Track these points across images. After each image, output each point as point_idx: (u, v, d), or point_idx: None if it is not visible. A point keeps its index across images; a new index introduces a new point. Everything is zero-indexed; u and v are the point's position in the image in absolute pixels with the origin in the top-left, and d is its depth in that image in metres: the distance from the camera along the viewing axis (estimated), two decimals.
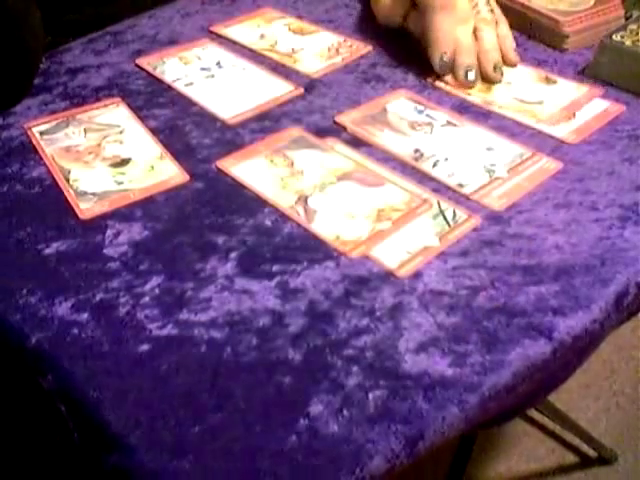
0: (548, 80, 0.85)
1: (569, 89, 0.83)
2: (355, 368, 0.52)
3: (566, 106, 0.80)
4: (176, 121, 0.80)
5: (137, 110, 0.82)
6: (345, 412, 0.49)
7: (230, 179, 0.72)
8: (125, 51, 0.94)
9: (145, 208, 0.68)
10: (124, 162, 0.74)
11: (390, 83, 0.87)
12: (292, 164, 0.73)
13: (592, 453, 1.26)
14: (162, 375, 0.52)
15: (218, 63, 0.91)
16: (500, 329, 0.55)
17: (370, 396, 0.50)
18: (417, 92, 0.84)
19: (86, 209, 0.68)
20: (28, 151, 0.76)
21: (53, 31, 0.92)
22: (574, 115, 0.79)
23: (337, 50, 0.94)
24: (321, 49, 0.94)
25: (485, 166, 0.72)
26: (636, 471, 1.24)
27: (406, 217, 0.66)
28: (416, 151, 0.75)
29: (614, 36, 0.84)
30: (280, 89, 0.85)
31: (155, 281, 0.60)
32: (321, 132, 0.78)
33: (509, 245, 0.63)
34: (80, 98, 0.85)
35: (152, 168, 0.73)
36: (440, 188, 0.69)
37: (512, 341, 0.54)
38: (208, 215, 0.67)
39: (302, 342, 0.54)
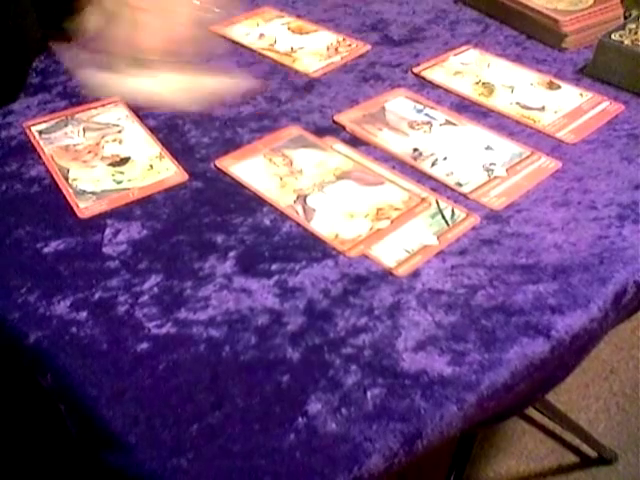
0: (551, 85, 0.85)
1: (573, 95, 0.83)
2: (353, 367, 0.52)
3: (568, 113, 0.80)
4: (175, 120, 0.80)
5: (136, 109, 0.82)
6: (343, 410, 0.49)
7: (229, 178, 0.72)
8: None
9: (144, 207, 0.68)
10: (123, 161, 0.74)
11: (389, 82, 0.87)
12: (291, 163, 0.73)
13: (592, 453, 1.26)
14: (161, 374, 0.52)
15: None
16: (498, 328, 0.55)
17: (368, 394, 0.50)
18: (416, 91, 0.84)
19: (85, 208, 0.68)
20: (27, 150, 0.76)
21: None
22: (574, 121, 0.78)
23: (336, 49, 0.94)
24: (320, 48, 0.94)
25: (484, 165, 0.72)
26: (636, 471, 1.24)
27: (405, 216, 0.66)
28: (415, 150, 0.75)
29: (613, 35, 0.84)
30: None
31: (154, 280, 0.60)
32: (320, 131, 0.78)
33: (508, 244, 0.63)
34: (79, 97, 0.85)
35: (151, 167, 0.73)
36: (439, 187, 0.69)
37: (510, 340, 0.54)
38: (207, 214, 0.67)
39: (301, 341, 0.54)
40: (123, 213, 0.67)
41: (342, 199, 0.68)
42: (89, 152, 0.75)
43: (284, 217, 0.66)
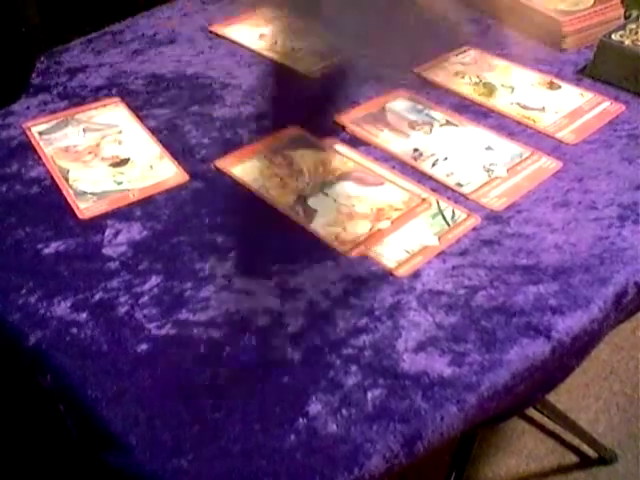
0: (552, 85, 0.84)
1: (573, 96, 0.82)
2: (354, 367, 0.52)
3: (568, 114, 0.79)
4: (175, 121, 0.80)
5: (136, 110, 0.82)
6: (344, 411, 0.49)
7: (229, 179, 0.72)
8: (124, 51, 0.94)
9: (144, 208, 0.68)
10: (123, 162, 0.74)
11: (390, 82, 0.86)
12: (291, 164, 0.73)
13: (592, 453, 1.26)
14: (161, 375, 0.52)
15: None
16: (499, 328, 0.55)
17: (369, 395, 0.50)
18: (416, 91, 0.84)
19: (85, 209, 0.68)
20: (27, 151, 0.76)
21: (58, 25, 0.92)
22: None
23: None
24: (320, 48, 0.94)
25: (484, 165, 0.72)
26: (636, 471, 1.24)
27: (405, 216, 0.66)
28: (415, 150, 0.74)
29: (613, 35, 0.84)
30: None
31: (154, 281, 0.60)
32: (320, 131, 0.78)
33: (508, 244, 0.63)
34: (79, 98, 0.85)
35: (151, 168, 0.73)
36: (439, 187, 0.69)
37: (511, 340, 0.54)
38: (207, 215, 0.67)
39: (301, 342, 0.54)
40: (123, 214, 0.67)
41: (342, 199, 0.68)
42: (89, 153, 0.75)
43: (284, 217, 0.66)
